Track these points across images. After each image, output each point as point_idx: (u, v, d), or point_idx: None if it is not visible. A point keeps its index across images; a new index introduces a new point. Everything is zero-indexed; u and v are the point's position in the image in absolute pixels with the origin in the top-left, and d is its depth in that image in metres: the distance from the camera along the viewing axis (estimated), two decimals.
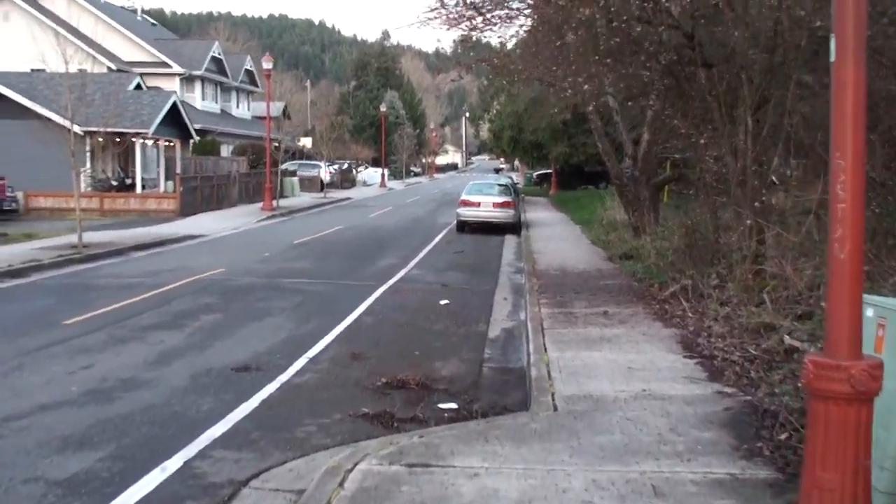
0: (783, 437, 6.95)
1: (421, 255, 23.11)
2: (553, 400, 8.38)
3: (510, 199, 30.57)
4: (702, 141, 14.06)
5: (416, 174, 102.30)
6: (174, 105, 40.76)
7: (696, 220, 15.82)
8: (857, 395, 4.22)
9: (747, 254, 13.51)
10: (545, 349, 10.71)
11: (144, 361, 10.54)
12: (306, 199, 48.50)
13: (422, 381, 9.60)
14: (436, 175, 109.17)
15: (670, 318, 12.80)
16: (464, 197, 30.72)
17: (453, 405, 8.85)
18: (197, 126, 47.92)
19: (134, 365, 10.33)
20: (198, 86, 55.91)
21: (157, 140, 41.42)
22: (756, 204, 13.63)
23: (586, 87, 14.25)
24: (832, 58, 4.25)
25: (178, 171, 40.86)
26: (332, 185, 60.02)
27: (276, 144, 48.51)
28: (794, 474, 5.98)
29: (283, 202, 42.38)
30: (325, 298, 15.61)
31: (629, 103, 18.49)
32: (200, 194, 37.45)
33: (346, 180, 65.82)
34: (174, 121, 41.33)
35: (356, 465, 6.46)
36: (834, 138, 4.24)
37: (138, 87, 42.61)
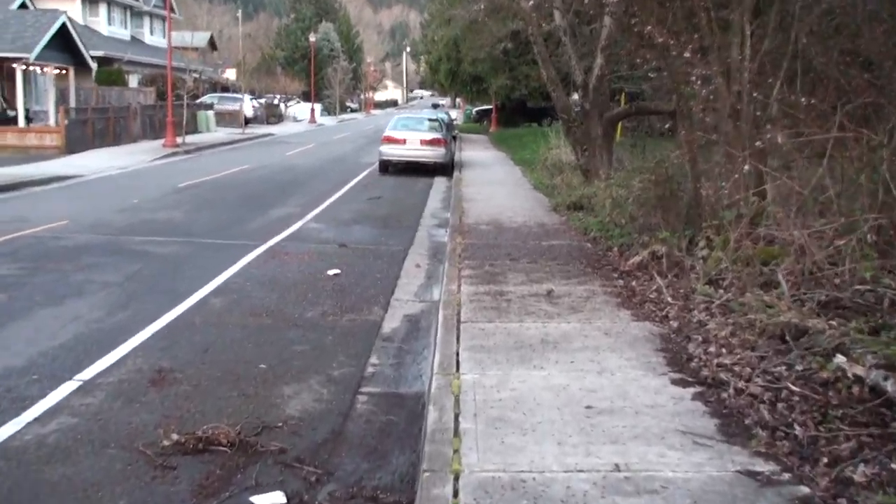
0: None
1: (328, 202, 19.05)
2: (457, 496, 4.57)
3: (441, 136, 26.35)
4: (685, 55, 10.18)
5: (352, 110, 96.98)
6: (63, 26, 35.35)
7: (670, 164, 11.95)
8: None
9: (745, 212, 9.77)
10: (457, 365, 6.89)
11: None
12: (221, 134, 43.79)
13: (241, 437, 5.68)
14: (373, 111, 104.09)
15: (641, 302, 9.05)
16: (388, 133, 26.38)
17: (279, 502, 4.95)
18: (100, 53, 42.80)
19: None
20: (103, 9, 50.10)
21: (45, 67, 36.22)
22: (757, 143, 9.87)
23: None
24: None
25: (73, 102, 35.83)
26: (256, 119, 55.34)
27: (196, 75, 43.70)
28: None
29: (193, 138, 37.76)
30: (174, 266, 11.54)
31: (586, 12, 14.46)
32: (92, 128, 32.70)
33: (272, 115, 60.82)
34: (66, 45, 36.08)
35: None
36: None
37: (23, 6, 37.26)
